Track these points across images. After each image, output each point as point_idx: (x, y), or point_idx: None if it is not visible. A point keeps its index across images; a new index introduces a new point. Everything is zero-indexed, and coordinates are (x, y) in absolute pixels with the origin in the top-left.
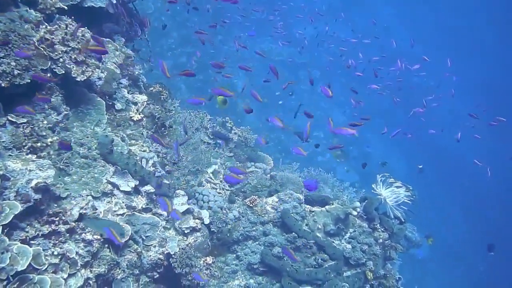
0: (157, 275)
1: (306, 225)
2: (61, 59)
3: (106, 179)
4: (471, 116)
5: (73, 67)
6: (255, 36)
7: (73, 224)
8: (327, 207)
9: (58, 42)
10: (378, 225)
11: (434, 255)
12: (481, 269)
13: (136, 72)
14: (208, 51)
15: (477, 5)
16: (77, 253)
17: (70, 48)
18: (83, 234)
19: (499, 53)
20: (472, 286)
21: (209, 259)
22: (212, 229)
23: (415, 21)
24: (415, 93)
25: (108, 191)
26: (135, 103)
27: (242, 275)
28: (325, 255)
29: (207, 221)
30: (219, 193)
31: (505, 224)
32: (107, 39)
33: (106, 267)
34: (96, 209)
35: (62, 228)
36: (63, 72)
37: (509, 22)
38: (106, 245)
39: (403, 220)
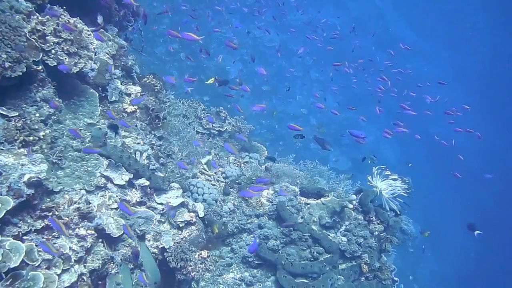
0: None
1: (302, 217)
2: (53, 51)
3: (99, 173)
4: (447, 113)
5: (65, 58)
6: (240, 27)
7: (67, 219)
8: (322, 199)
9: (50, 33)
10: (373, 217)
11: (426, 242)
12: (472, 255)
13: (129, 63)
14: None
15: None
16: (70, 248)
17: (62, 39)
18: (77, 229)
19: (494, 40)
20: (463, 272)
21: (204, 253)
22: (206, 222)
23: (409, 7)
24: (408, 80)
25: (102, 185)
26: (129, 95)
27: (237, 268)
28: (321, 248)
29: (201, 214)
30: (213, 185)
31: (496, 210)
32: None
33: (100, 262)
34: (90, 203)
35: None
36: (55, 63)
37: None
38: (100, 240)
39: (398, 213)
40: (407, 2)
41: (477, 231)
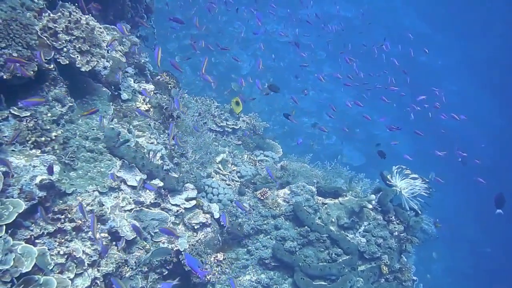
0: (166, 272)
1: (319, 218)
2: (64, 49)
3: (113, 173)
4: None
5: (77, 56)
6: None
7: (79, 222)
8: (340, 199)
9: (61, 30)
10: (393, 217)
11: (441, 236)
12: (489, 250)
13: (142, 61)
14: (213, 32)
15: None
16: (83, 252)
17: (74, 37)
18: (90, 232)
19: (508, 33)
20: (478, 268)
21: (220, 256)
22: (221, 223)
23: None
24: (421, 73)
25: (115, 186)
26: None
27: (253, 270)
28: (339, 250)
29: (217, 215)
30: (228, 185)
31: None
32: (112, 26)
33: (114, 265)
34: (103, 205)
35: (68, 226)
36: (67, 62)
37: None
38: (114, 243)
39: (419, 212)
40: None
41: (499, 210)
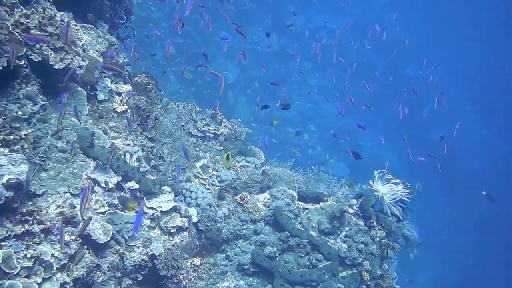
0: (141, 278)
1: (300, 223)
2: (37, 45)
3: (86, 175)
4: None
5: (50, 54)
6: (230, 39)
7: (49, 223)
8: (321, 204)
9: (34, 26)
10: (374, 223)
11: (424, 248)
12: (471, 262)
13: (121, 61)
14: (198, 41)
15: None
16: (52, 255)
17: (47, 34)
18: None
19: (495, 44)
20: (462, 278)
21: (197, 260)
22: (200, 228)
23: (407, 10)
24: (407, 84)
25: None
26: (119, 94)
27: (232, 276)
28: (320, 255)
29: (195, 219)
30: (208, 189)
31: (494, 215)
32: (89, 25)
33: (85, 270)
34: (75, 207)
35: (37, 228)
36: (40, 59)
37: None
38: (86, 246)
39: (401, 218)
40: (404, 5)
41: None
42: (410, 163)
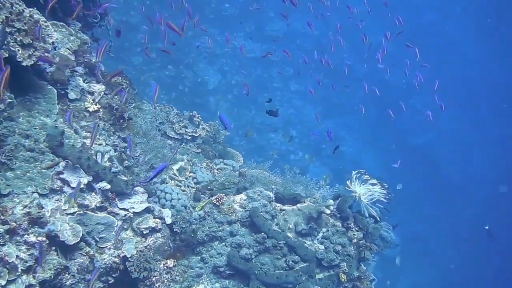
0: (112, 280)
1: (276, 224)
2: (5, 41)
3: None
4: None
5: (18, 50)
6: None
7: (14, 224)
8: (298, 205)
9: (1, 22)
10: (352, 224)
11: (406, 253)
12: (452, 267)
13: (94, 60)
14: (178, 45)
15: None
16: (17, 257)
17: (15, 29)
18: (26, 236)
19: (473, 51)
20: (443, 284)
21: (170, 262)
22: (175, 230)
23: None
24: (387, 90)
25: (57, 188)
26: (91, 93)
27: (207, 279)
28: (296, 257)
29: (169, 220)
30: (183, 190)
31: (476, 224)
32: (61, 23)
33: (53, 272)
34: (43, 207)
35: (1, 228)
36: (7, 55)
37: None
38: (53, 248)
39: (378, 219)
40: (384, 12)
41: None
42: (392, 168)
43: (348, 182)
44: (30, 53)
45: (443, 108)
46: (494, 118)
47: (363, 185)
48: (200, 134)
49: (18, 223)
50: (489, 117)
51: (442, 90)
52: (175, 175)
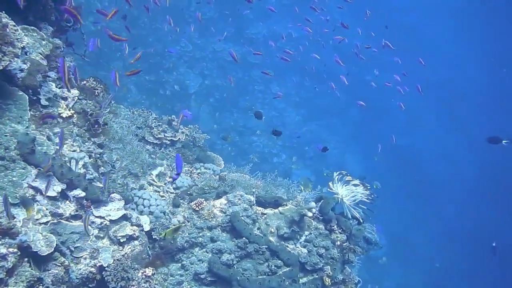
0: None
1: (258, 229)
2: None
3: (27, 183)
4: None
5: None
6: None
7: None
8: (280, 208)
9: None
10: (335, 226)
11: (391, 253)
12: (437, 266)
13: (67, 65)
14: (159, 51)
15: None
16: None
17: None
18: None
19: (454, 52)
20: (429, 283)
21: (149, 271)
22: (153, 236)
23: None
24: (368, 91)
25: (30, 197)
26: (65, 98)
27: (188, 286)
28: (279, 261)
29: (147, 227)
30: (162, 196)
31: (459, 221)
32: (32, 27)
33: (25, 284)
34: (14, 217)
35: None
36: None
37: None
38: (26, 259)
39: (361, 221)
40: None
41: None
42: (375, 169)
43: (330, 184)
44: None
45: (420, 90)
46: (475, 118)
47: (345, 186)
48: (179, 138)
49: None
50: (470, 117)
51: (424, 90)
52: (154, 180)
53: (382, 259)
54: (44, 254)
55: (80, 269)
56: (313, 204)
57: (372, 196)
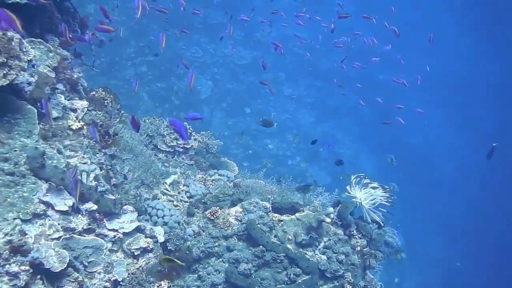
0: None
1: (275, 236)
2: None
3: (38, 198)
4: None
5: None
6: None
7: None
8: (297, 214)
9: None
10: (354, 231)
11: (409, 253)
12: (458, 265)
13: (75, 76)
14: (169, 57)
15: None
16: None
17: None
18: (7, 266)
19: (461, 46)
20: (448, 282)
21: (164, 284)
22: (169, 248)
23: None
24: (380, 90)
25: (41, 212)
26: (74, 110)
27: None
28: (298, 269)
29: (161, 239)
30: (176, 205)
31: (475, 220)
32: (38, 40)
33: None
34: (26, 234)
35: None
36: None
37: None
38: (38, 276)
39: (382, 224)
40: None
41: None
42: (390, 169)
43: (348, 188)
44: (5, 72)
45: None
46: (485, 115)
47: (363, 189)
48: (192, 145)
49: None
50: (479, 115)
51: (433, 89)
52: (167, 190)
53: (400, 255)
54: (57, 271)
55: (94, 284)
56: (331, 209)
57: (392, 198)
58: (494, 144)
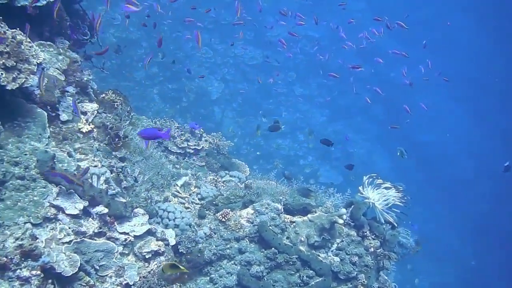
0: None
1: (287, 238)
2: None
3: (48, 202)
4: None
5: (1, 73)
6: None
7: (5, 259)
8: (309, 216)
9: None
10: (367, 232)
11: (424, 252)
12: (473, 264)
13: (85, 78)
14: (179, 58)
15: None
16: None
17: None
18: (18, 270)
19: (475, 45)
20: (463, 281)
21: (176, 287)
22: (180, 250)
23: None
24: (392, 88)
25: (52, 216)
26: (84, 113)
27: None
28: (311, 271)
29: (173, 241)
30: (187, 208)
31: (493, 218)
32: (48, 43)
33: None
34: (37, 238)
35: None
36: None
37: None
38: (50, 281)
39: (395, 225)
40: (383, 11)
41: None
42: (403, 168)
43: (360, 188)
44: (15, 76)
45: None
46: (501, 111)
47: (376, 190)
48: (203, 146)
49: (10, 257)
50: (495, 110)
51: (447, 85)
52: (178, 192)
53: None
54: (68, 275)
55: None
56: (343, 210)
57: (406, 198)
58: (506, 164)
